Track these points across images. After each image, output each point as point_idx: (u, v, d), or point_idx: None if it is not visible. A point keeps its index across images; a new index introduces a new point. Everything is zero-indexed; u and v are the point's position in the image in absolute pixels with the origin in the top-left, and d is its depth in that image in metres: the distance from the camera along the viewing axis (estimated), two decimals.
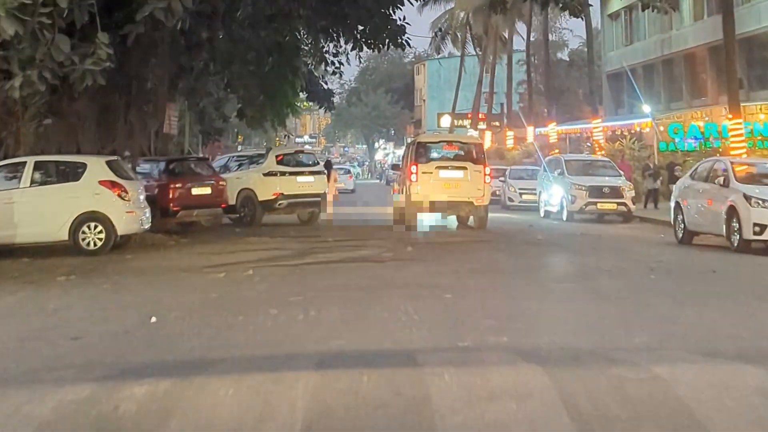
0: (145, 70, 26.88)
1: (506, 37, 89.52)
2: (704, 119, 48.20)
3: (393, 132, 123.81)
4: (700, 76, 56.76)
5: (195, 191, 30.24)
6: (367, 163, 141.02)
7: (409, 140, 37.75)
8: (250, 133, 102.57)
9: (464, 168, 29.15)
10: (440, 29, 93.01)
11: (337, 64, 40.82)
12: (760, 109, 46.17)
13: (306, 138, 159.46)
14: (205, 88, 40.28)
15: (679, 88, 58.77)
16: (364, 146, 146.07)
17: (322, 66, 46.24)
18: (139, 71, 26.67)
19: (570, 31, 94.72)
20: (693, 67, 57.94)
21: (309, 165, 34.42)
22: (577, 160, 41.05)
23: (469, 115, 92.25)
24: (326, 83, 54.57)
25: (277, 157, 33.79)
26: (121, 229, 23.06)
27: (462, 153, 29.98)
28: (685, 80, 58.09)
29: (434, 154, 29.75)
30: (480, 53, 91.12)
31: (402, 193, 31.08)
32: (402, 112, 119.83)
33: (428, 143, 30.86)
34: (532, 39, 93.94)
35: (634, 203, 37.59)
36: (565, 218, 36.86)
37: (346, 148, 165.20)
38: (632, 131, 53.60)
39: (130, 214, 23.25)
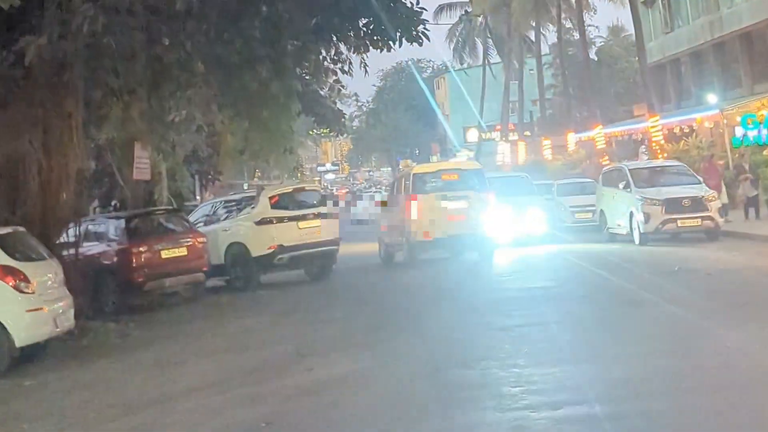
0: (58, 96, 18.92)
1: (531, 38, 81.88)
2: None
3: (417, 152, 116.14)
4: (762, 58, 48.78)
5: (166, 254, 23.45)
6: (385, 187, 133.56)
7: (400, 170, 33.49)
8: (267, 166, 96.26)
9: (467, 197, 27.71)
10: (459, 38, 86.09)
11: (339, 72, 32.84)
12: None
13: (328, 166, 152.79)
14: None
15: (737, 75, 50.75)
16: (389, 169, 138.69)
17: (323, 77, 38.80)
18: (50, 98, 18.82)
19: (596, 27, 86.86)
20: (751, 49, 49.94)
21: (314, 205, 26.91)
22: (643, 168, 33.27)
23: (498, 127, 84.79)
24: (335, 103, 46.69)
25: (270, 199, 26.43)
26: (21, 337, 15.11)
27: (463, 181, 28.47)
28: (742, 64, 50.06)
29: (434, 185, 28.22)
30: (503, 58, 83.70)
31: (396, 230, 29.01)
32: (424, 130, 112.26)
33: (426, 173, 29.31)
34: (555, 40, 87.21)
35: (721, 215, 29.77)
36: (637, 241, 29.38)
37: (371, 172, 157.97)
38: (686, 128, 45.83)
39: (35, 313, 15.33)
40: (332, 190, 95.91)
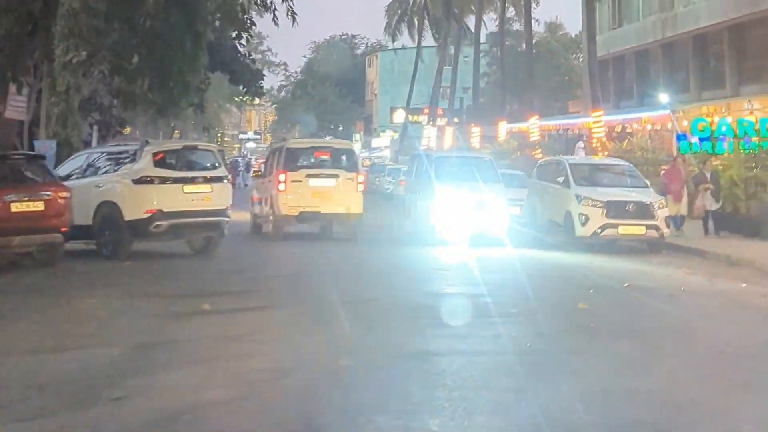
0: None
1: (468, 25, 78.12)
2: (722, 114, 36.63)
3: (342, 128, 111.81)
4: (715, 63, 45.32)
5: (17, 207, 19.35)
6: None
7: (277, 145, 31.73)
8: (186, 127, 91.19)
9: (336, 176, 27.24)
10: (396, 15, 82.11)
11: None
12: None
13: (250, 134, 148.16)
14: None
15: (685, 78, 47.19)
16: None
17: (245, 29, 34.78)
18: None
19: (536, 21, 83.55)
20: (704, 52, 46.44)
21: (206, 167, 22.69)
22: (586, 164, 29.51)
23: (426, 110, 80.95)
24: (254, 61, 42.54)
25: (155, 155, 22.08)
26: None
27: (334, 160, 28.01)
28: (692, 68, 46.51)
29: (304, 161, 27.62)
30: (440, 41, 79.79)
31: (265, 203, 28.32)
32: (351, 107, 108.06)
33: (298, 149, 28.47)
34: (494, 29, 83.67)
35: (669, 225, 26.06)
36: (570, 246, 25.50)
37: None
38: (628, 128, 42.30)
39: None
40: (250, 158, 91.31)
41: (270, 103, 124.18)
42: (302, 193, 26.82)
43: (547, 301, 15.86)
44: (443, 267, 21.40)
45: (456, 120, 77.67)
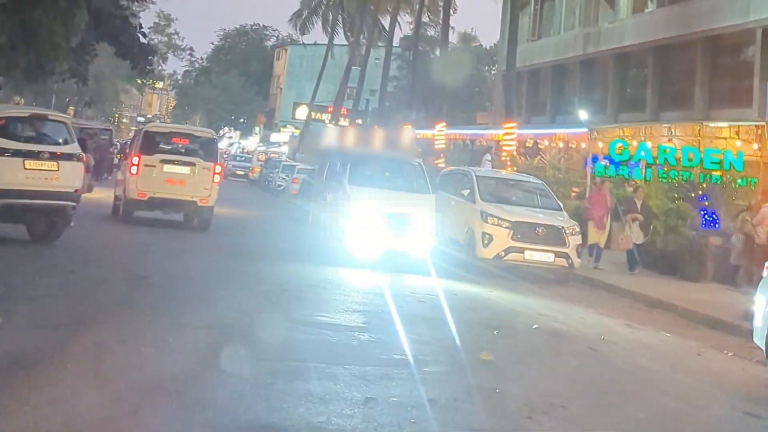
0: None
1: (383, 25, 74.85)
2: (641, 138, 34.01)
3: (243, 120, 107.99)
4: (637, 83, 42.78)
5: None
6: None
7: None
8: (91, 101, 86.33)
9: (192, 164, 26.12)
10: (311, 5, 78.65)
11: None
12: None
13: (149, 117, 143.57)
14: None
15: (602, 98, 44.55)
16: None
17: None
18: None
19: (452, 28, 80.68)
20: (626, 72, 43.89)
21: (55, 142, 19.34)
22: (494, 177, 26.40)
23: (330, 109, 77.71)
24: (144, 36, 38.80)
25: None
26: None
27: (193, 147, 26.85)
28: (612, 87, 43.88)
29: (162, 146, 26.58)
30: (352, 39, 76.59)
31: (120, 185, 27.70)
32: (255, 99, 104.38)
33: (157, 133, 27.64)
34: (409, 32, 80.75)
35: (579, 254, 23.11)
36: (466, 269, 22.39)
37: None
38: (539, 143, 39.65)
39: None
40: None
41: (171, 88, 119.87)
42: (155, 179, 25.85)
43: (441, 344, 12.61)
44: (322, 285, 17.97)
45: (359, 121, 74.60)
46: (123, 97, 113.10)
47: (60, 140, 19.33)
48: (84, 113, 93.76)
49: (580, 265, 23.30)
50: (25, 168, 18.32)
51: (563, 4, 50.20)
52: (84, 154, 22.62)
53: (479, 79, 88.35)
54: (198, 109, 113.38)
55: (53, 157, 18.76)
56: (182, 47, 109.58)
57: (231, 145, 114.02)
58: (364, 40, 74.95)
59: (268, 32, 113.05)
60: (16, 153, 18.32)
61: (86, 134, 50.07)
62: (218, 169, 26.86)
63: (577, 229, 23.37)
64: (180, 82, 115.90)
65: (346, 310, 15.25)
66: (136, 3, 36.41)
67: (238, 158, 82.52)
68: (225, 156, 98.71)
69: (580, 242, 23.25)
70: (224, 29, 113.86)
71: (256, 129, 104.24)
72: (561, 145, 38.68)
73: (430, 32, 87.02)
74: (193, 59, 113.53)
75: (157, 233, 24.87)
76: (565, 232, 22.83)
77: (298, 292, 16.38)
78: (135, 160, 26.06)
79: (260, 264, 19.92)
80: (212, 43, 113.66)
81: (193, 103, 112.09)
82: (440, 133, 45.57)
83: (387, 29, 72.44)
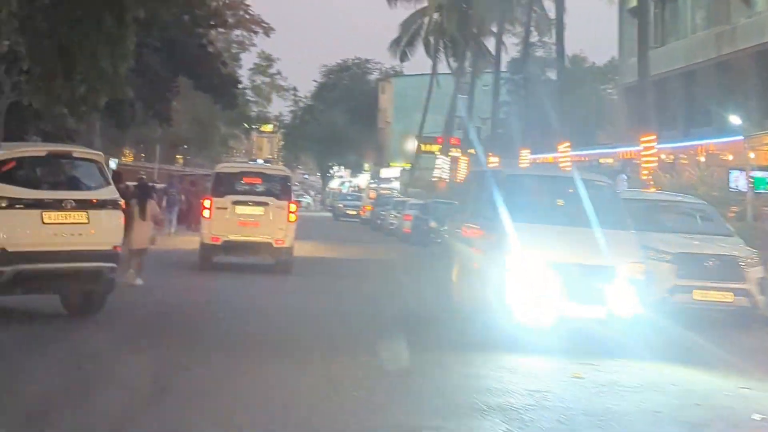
0: None
1: (488, 47, 70.02)
2: None
3: (352, 158, 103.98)
4: None
5: None
6: (317, 193, 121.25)
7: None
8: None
9: (265, 204, 25.04)
10: (408, 35, 74.06)
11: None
12: None
13: (260, 162, 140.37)
14: None
15: (744, 103, 38.96)
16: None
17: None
18: None
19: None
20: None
21: (82, 187, 15.04)
22: (643, 199, 20.97)
23: (440, 140, 72.89)
24: (225, 64, 34.70)
25: (1, 164, 14.09)
26: None
27: (266, 187, 25.77)
28: (756, 90, 38.37)
29: (234, 187, 25.39)
30: (456, 66, 71.80)
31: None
32: (362, 135, 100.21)
33: (228, 174, 26.50)
34: (516, 54, 75.97)
35: (762, 289, 17.94)
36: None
37: (306, 176, 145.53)
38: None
39: None
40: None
41: (279, 128, 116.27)
42: (228, 221, 24.87)
43: None
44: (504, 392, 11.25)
45: (471, 151, 69.68)
46: (232, 142, 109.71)
47: (90, 184, 14.94)
48: (193, 160, 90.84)
49: (765, 304, 18.12)
50: (43, 222, 14.06)
51: (688, 4, 44.96)
52: (150, 201, 19.24)
53: (597, 99, 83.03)
54: (306, 149, 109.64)
55: (81, 205, 14.42)
56: (286, 87, 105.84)
57: (342, 183, 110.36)
58: (468, 67, 70.24)
59: (370, 65, 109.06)
60: (32, 204, 14.07)
61: (188, 181, 46.63)
62: (293, 207, 25.54)
63: (757, 259, 18.28)
64: (286, 122, 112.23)
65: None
66: (213, 30, 32.26)
67: (348, 197, 79.24)
68: (335, 195, 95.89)
69: (762, 275, 18.11)
70: (326, 65, 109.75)
71: (366, 165, 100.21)
72: (702, 159, 33.59)
73: (539, 53, 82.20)
74: (297, 98, 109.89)
75: (235, 284, 22.43)
76: (742, 263, 17.81)
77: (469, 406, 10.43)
78: (207, 203, 25.29)
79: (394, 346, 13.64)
80: (315, 81, 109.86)
81: (301, 143, 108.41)
82: (563, 154, 40.89)
83: (492, 52, 67.64)
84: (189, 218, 43.38)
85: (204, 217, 25.26)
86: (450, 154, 66.69)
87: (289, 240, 25.11)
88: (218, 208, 24.91)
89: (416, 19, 74.56)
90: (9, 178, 14.04)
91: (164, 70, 30.49)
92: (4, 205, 13.77)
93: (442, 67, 75.66)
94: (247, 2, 72.01)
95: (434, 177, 66.27)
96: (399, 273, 27.91)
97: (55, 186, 14.63)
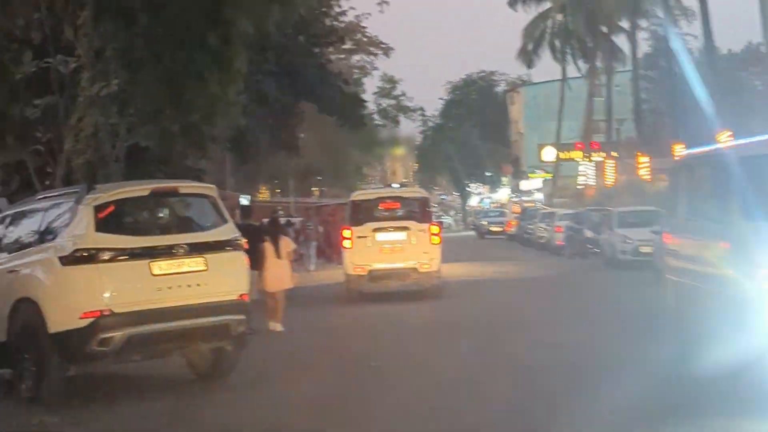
0: None
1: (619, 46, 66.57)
2: None
3: (488, 174, 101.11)
4: None
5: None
6: (456, 212, 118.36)
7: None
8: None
9: (406, 228, 24.27)
10: (533, 40, 71.05)
11: None
12: None
13: (395, 186, 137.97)
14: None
15: None
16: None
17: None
18: None
19: (694, 37, 72.02)
20: None
21: (194, 227, 12.79)
22: None
23: (579, 145, 69.36)
24: (346, 82, 32.48)
25: (99, 210, 11.91)
26: None
27: (405, 210, 25.16)
28: None
29: (371, 214, 24.81)
30: (587, 66, 68.52)
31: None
32: (496, 149, 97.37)
33: (364, 201, 25.67)
34: (647, 49, 72.22)
35: None
36: None
37: (443, 196, 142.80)
38: None
39: None
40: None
41: (411, 151, 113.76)
42: (370, 250, 24.20)
43: None
44: None
45: (614, 154, 66.25)
46: (366, 169, 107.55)
47: (204, 223, 12.57)
48: (329, 192, 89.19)
49: None
50: (153, 274, 11.64)
51: None
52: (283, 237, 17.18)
53: (739, 86, 78.70)
54: (441, 168, 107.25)
55: (196, 249, 12.04)
56: (412, 108, 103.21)
57: (481, 200, 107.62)
58: (600, 66, 66.88)
59: (495, 77, 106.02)
60: (138, 254, 11.73)
61: (325, 212, 44.50)
62: (435, 229, 24.68)
63: None
64: (418, 144, 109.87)
65: None
66: (331, 47, 30.01)
67: (491, 213, 76.37)
68: (476, 213, 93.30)
69: None
70: (450, 82, 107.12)
71: (504, 180, 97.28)
72: None
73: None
74: (425, 118, 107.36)
75: (387, 320, 20.56)
76: None
77: None
78: (346, 233, 24.58)
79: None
80: (441, 99, 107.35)
81: (435, 164, 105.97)
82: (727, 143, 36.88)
83: (622, 50, 64.43)
84: (329, 251, 41.25)
85: (345, 247, 24.54)
86: (592, 158, 63.30)
87: (435, 263, 24.19)
88: (358, 237, 24.26)
89: (539, 24, 71.46)
90: (108, 225, 11.77)
91: (285, 96, 28.30)
92: (105, 258, 11.48)
93: (572, 71, 72.64)
94: (363, 24, 70.32)
95: (579, 184, 63.08)
96: (570, 292, 25.19)
97: (163, 230, 12.32)
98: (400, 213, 25.36)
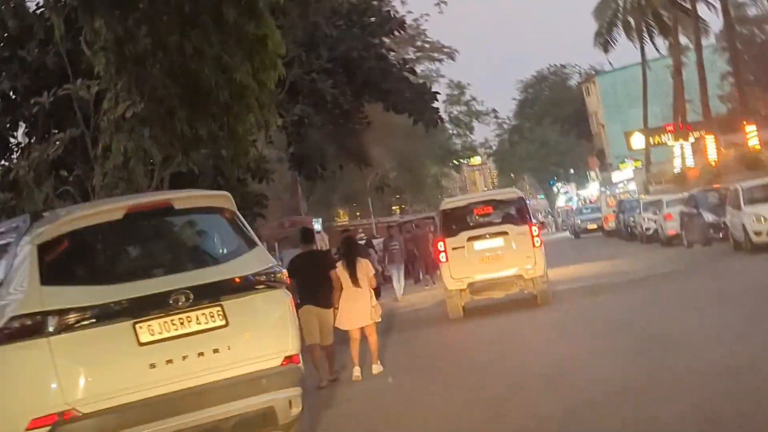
0: None
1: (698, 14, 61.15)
2: None
3: (572, 170, 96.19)
4: None
5: None
6: (548, 214, 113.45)
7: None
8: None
9: (504, 233, 22.17)
10: (608, 15, 66.20)
11: None
12: None
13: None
14: None
15: None
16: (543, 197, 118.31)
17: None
18: None
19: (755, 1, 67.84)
20: None
21: (201, 261, 8.24)
22: None
23: (669, 128, 63.98)
24: (413, 71, 27.99)
25: (45, 249, 7.47)
26: None
27: (500, 214, 23.22)
28: None
29: (465, 222, 22.91)
30: (669, 43, 63.53)
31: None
32: (578, 144, 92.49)
33: (455, 209, 23.42)
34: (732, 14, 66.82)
35: None
36: None
37: (528, 200, 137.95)
38: None
39: None
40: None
41: (488, 156, 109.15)
42: (468, 260, 22.15)
43: None
44: None
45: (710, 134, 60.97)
46: (445, 182, 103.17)
47: (219, 251, 8.12)
48: (410, 209, 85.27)
49: None
50: (140, 343, 7.34)
51: None
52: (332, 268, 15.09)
53: None
54: (522, 171, 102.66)
55: (207, 295, 7.62)
56: (484, 111, 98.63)
57: (569, 200, 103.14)
58: (684, 39, 61.95)
59: (567, 70, 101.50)
60: (113, 313, 7.37)
61: (406, 229, 40.26)
62: (535, 231, 22.62)
63: None
64: (495, 148, 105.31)
65: None
66: (393, 35, 25.69)
67: (585, 210, 72.07)
68: (568, 212, 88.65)
69: None
70: (521, 80, 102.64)
71: (592, 174, 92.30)
72: None
73: (753, 11, 72.97)
74: (499, 120, 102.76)
75: (500, 346, 16.68)
76: None
77: None
78: (440, 245, 22.54)
79: None
80: (514, 99, 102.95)
81: (515, 167, 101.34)
82: None
83: (704, 20, 59.31)
84: (415, 270, 36.70)
85: (441, 261, 22.57)
86: (688, 140, 57.94)
87: (540, 267, 22.12)
88: (453, 248, 22.14)
89: (610, 3, 66.64)
90: (62, 271, 7.41)
91: (345, 97, 23.96)
92: (61, 325, 7.10)
93: (650, 50, 67.79)
94: (423, 27, 66.45)
95: (676, 167, 57.94)
96: (715, 288, 20.43)
97: (148, 270, 7.82)
98: (495, 218, 23.42)
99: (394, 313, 25.15)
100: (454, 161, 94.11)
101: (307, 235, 16.09)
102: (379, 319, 15.77)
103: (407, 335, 20.49)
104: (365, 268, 15.60)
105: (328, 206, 69.39)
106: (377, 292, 16.58)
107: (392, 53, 25.93)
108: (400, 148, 65.87)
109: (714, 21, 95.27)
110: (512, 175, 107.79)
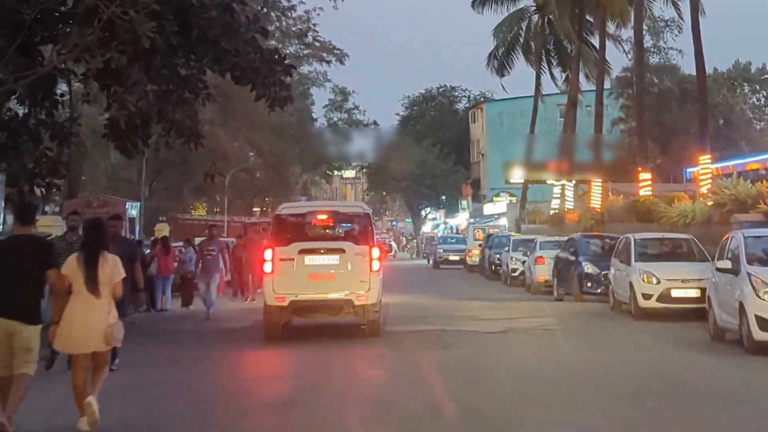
0: None
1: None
2: None
3: (444, 197, 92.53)
4: None
5: None
6: (409, 238, 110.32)
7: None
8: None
9: (340, 251, 20.44)
10: (505, 41, 62.12)
11: None
12: None
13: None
14: None
15: None
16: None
17: None
18: None
19: (679, 52, 64.94)
20: None
21: None
22: None
23: (551, 165, 60.00)
24: (264, 34, 22.68)
25: None
26: None
27: (340, 229, 22.68)
28: None
29: (300, 232, 21.43)
30: (566, 75, 60.20)
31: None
32: (456, 170, 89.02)
33: (291, 215, 22.02)
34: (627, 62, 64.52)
35: None
36: None
37: (394, 222, 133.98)
38: None
39: None
40: None
41: (361, 170, 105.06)
42: (295, 275, 20.13)
43: None
44: None
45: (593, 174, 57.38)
46: (314, 190, 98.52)
47: None
48: (274, 210, 79.85)
49: None
50: None
51: None
52: None
53: (726, 110, 71.56)
54: (394, 190, 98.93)
55: None
56: (365, 122, 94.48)
57: (436, 227, 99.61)
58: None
59: (457, 93, 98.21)
60: None
61: (252, 230, 38.66)
62: (376, 253, 20.66)
63: None
64: (368, 163, 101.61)
65: None
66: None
67: (450, 240, 68.69)
68: (429, 239, 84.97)
69: None
70: (408, 96, 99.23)
71: (463, 203, 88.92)
72: None
73: (654, 59, 70.45)
74: (378, 135, 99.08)
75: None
76: None
77: None
78: (267, 254, 20.65)
79: None
80: (397, 114, 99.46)
81: (387, 185, 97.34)
82: (704, 169, 34.04)
83: (607, 60, 55.61)
84: (242, 281, 31.05)
85: (265, 272, 20.71)
86: (571, 180, 53.96)
87: (374, 294, 20.41)
88: (282, 259, 20.46)
89: (513, 23, 62.69)
90: None
91: (175, 52, 18.82)
92: None
93: (545, 82, 64.22)
94: (315, 22, 61.97)
95: (553, 208, 53.93)
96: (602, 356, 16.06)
97: None
98: (335, 232, 22.66)
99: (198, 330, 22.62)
100: (327, 171, 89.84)
101: (26, 211, 10.87)
102: (118, 344, 10.95)
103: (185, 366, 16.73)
104: (111, 268, 10.62)
105: (178, 197, 64.26)
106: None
107: (242, 6, 20.54)
108: (268, 147, 61.50)
109: (616, 63, 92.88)
110: (384, 193, 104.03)
